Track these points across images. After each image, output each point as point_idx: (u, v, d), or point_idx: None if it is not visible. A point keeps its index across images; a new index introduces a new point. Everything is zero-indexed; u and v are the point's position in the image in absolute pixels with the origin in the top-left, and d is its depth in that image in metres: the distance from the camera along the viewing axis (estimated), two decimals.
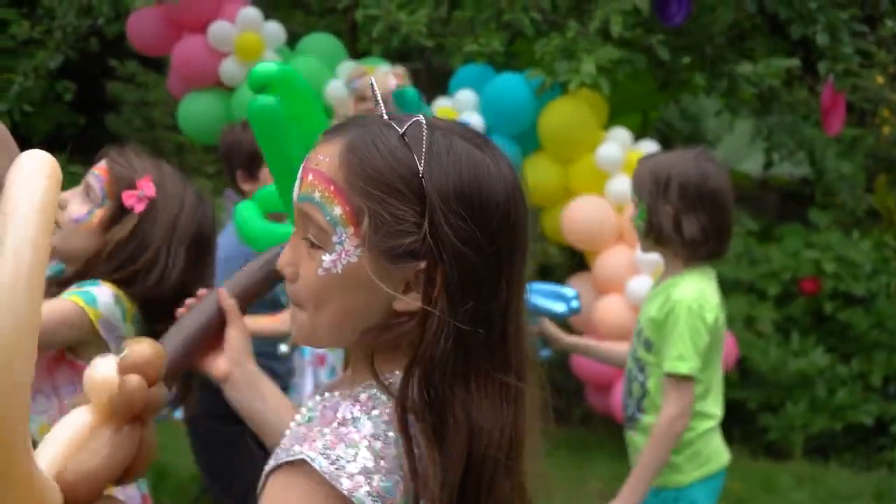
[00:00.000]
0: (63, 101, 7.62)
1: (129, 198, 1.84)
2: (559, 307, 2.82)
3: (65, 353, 1.79)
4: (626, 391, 2.67)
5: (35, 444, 1.65)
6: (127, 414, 1.18)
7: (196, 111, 5.23)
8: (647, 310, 2.61)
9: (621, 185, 4.87)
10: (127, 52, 10.41)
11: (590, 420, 5.78)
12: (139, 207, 1.83)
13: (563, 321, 3.30)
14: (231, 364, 1.40)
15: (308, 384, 3.84)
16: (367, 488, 1.05)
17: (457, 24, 5.35)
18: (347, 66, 5.14)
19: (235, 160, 3.37)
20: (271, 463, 1.09)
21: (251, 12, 5.06)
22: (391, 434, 1.09)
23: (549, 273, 8.88)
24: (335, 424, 1.09)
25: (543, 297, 2.84)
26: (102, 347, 1.76)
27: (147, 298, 1.83)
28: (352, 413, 1.10)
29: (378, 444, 1.08)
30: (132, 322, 1.81)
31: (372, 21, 4.87)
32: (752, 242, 5.91)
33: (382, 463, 1.07)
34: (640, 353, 2.61)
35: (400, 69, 4.55)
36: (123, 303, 1.81)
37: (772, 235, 6.28)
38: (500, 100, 4.92)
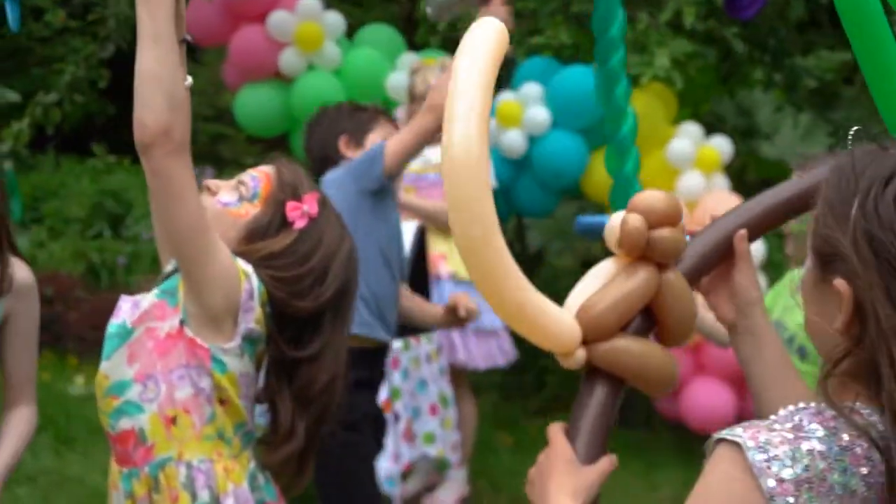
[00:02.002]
0: (94, 89, 7.51)
1: (293, 209, 1.78)
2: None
3: (185, 329, 1.69)
4: None
5: (145, 435, 1.57)
6: (633, 251, 1.29)
7: (253, 103, 5.11)
8: (797, 316, 2.47)
9: (693, 181, 4.73)
10: None
11: (651, 423, 5.64)
12: (300, 223, 1.78)
13: None
14: (737, 312, 1.41)
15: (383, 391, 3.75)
16: (791, 499, 1.05)
17: (519, 15, 5.20)
18: (408, 59, 5.02)
19: (339, 126, 3.12)
20: (716, 434, 1.12)
21: (311, 2, 4.94)
22: (840, 460, 1.07)
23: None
24: (789, 426, 1.10)
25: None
26: (226, 330, 1.69)
27: (281, 305, 1.73)
28: (810, 423, 1.10)
29: (821, 464, 1.07)
30: (263, 307, 1.73)
31: None
32: None
33: (818, 483, 1.06)
34: None
35: (450, 60, 4.43)
36: (262, 286, 1.73)
37: None
38: (567, 93, 4.77)
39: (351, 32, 5.23)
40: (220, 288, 1.66)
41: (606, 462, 1.33)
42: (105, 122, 10.74)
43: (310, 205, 1.79)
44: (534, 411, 5.95)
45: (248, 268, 1.71)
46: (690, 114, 5.79)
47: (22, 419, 2.19)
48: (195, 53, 11.24)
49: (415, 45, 5.43)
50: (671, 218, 1.29)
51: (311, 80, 4.95)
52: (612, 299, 1.30)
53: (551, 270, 8.44)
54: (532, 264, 7.23)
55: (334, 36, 5.02)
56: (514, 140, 4.77)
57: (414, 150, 2.90)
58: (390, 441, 3.77)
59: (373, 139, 3.00)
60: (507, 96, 4.89)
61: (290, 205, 1.78)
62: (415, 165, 4.41)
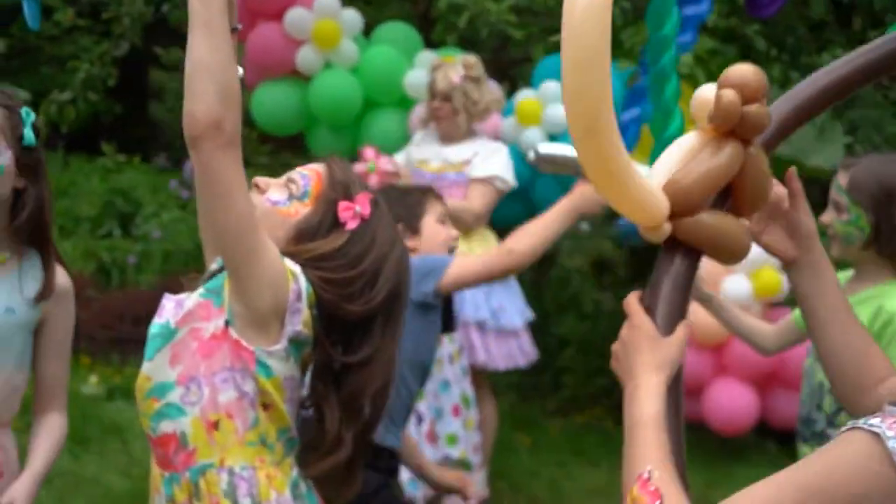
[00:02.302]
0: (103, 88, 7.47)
1: (345, 209, 1.72)
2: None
3: (230, 330, 1.64)
4: (811, 404, 2.51)
5: (186, 439, 1.52)
6: (724, 126, 1.32)
7: (271, 101, 5.06)
8: None
9: None
10: (169, 39, 10.33)
11: None
12: (352, 224, 1.72)
13: None
14: (798, 247, 1.45)
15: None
16: None
17: (536, 13, 5.16)
18: (426, 57, 4.97)
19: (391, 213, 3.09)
20: (849, 424, 1.10)
21: None
22: None
23: (608, 268, 8.72)
24: None
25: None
26: (271, 332, 1.63)
27: (330, 308, 1.68)
28: None
29: None
30: (311, 309, 1.67)
31: (455, 10, 4.69)
32: None
33: None
34: None
35: (472, 58, 4.39)
36: (310, 287, 1.67)
37: None
38: None
39: (367, 31, 5.19)
40: (267, 288, 1.61)
41: (683, 331, 1.36)
42: (112, 121, 10.72)
43: (362, 205, 1.73)
44: (551, 411, 5.92)
45: (297, 268, 1.66)
46: None
47: (55, 426, 2.16)
48: None
49: (431, 43, 5.39)
50: (760, 93, 1.33)
51: (328, 78, 4.91)
52: (700, 174, 1.34)
53: (562, 270, 8.40)
54: (542, 264, 7.18)
55: (352, 33, 4.97)
56: (534, 138, 4.72)
57: (475, 283, 2.86)
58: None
59: (428, 222, 2.89)
60: (526, 94, 4.84)
61: (342, 205, 1.73)
62: (434, 164, 4.38)
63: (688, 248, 1.38)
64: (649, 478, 1.22)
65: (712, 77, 4.73)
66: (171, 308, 1.71)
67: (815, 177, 8.02)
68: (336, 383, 1.71)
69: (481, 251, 4.26)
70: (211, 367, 1.65)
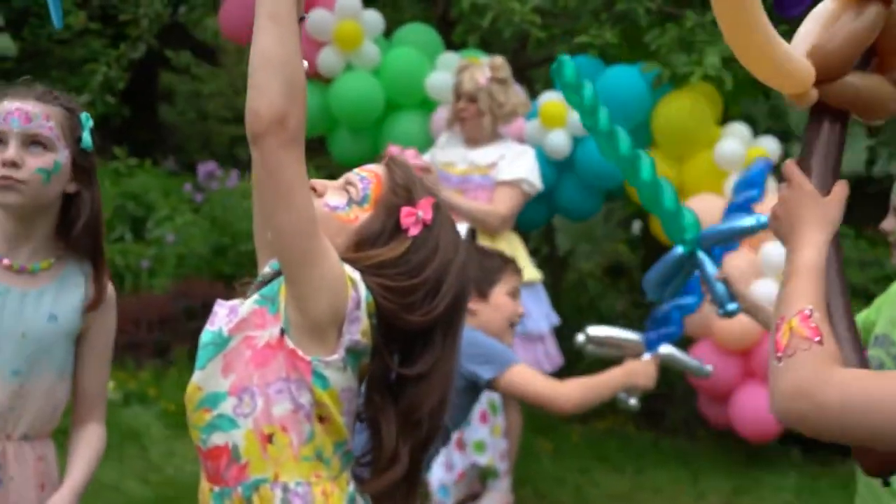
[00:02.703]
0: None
1: (408, 215, 1.63)
2: (748, 221, 2.66)
3: (286, 339, 1.56)
4: None
5: (238, 453, 1.44)
6: None
7: None
8: None
9: None
10: (179, 41, 10.29)
11: (692, 430, 5.53)
12: (414, 230, 1.63)
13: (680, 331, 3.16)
14: None
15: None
16: None
17: (555, 16, 5.10)
18: (447, 58, 4.92)
19: None
20: None
21: (350, 0, 4.83)
22: None
23: (623, 272, 8.66)
24: None
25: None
26: (329, 342, 1.55)
27: (390, 317, 1.61)
28: None
29: None
30: (370, 317, 1.59)
31: (478, 10, 4.63)
32: (864, 245, 5.64)
33: None
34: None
35: (499, 60, 4.33)
36: (370, 296, 1.59)
37: (879, 238, 6.00)
38: (613, 94, 4.66)
39: (386, 33, 5.13)
40: (325, 296, 1.52)
41: (840, 188, 1.40)
42: (121, 124, 10.68)
43: (425, 210, 1.64)
44: (572, 417, 5.86)
45: (356, 275, 1.57)
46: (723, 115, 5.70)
47: (94, 437, 2.10)
48: (214, 56, 11.17)
49: (451, 44, 5.33)
50: None
51: (349, 80, 4.86)
52: (845, 37, 1.39)
53: (576, 274, 8.35)
54: (557, 267, 7.13)
55: (373, 35, 4.92)
56: (559, 141, 4.67)
57: (522, 399, 2.77)
58: (442, 449, 3.68)
59: (498, 292, 2.82)
60: (550, 96, 4.79)
61: (405, 210, 1.63)
62: (460, 167, 4.32)
63: (835, 112, 1.43)
64: (810, 315, 1.29)
65: (738, 80, 4.69)
66: (223, 315, 1.61)
67: None
68: (393, 396, 1.63)
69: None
70: (265, 377, 1.57)
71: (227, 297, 5.84)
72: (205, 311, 6.35)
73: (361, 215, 1.64)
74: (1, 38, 8.94)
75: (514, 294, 2.88)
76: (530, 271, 4.24)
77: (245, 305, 1.61)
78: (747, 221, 2.69)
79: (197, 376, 1.62)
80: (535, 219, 4.93)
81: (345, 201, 1.64)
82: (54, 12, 2.36)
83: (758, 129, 6.78)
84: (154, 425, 5.33)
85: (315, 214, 1.52)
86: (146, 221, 8.44)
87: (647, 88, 4.66)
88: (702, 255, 2.72)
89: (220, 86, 10.82)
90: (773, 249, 4.50)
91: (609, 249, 8.77)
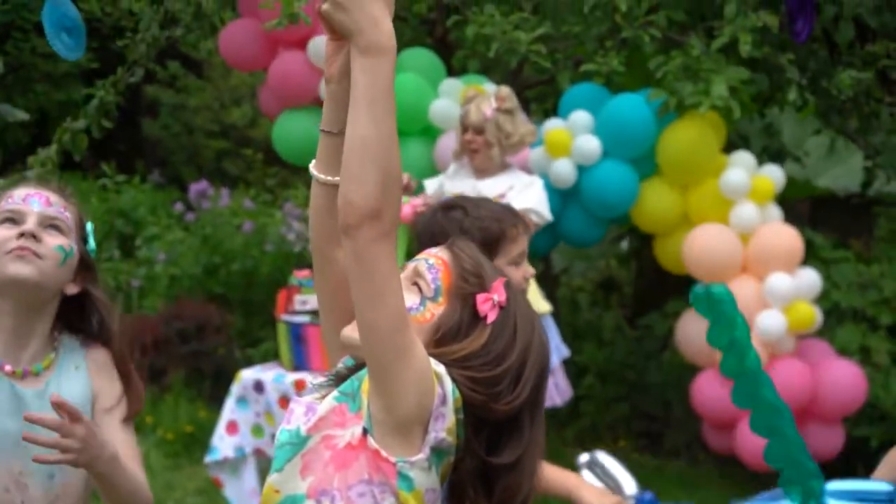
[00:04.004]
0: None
1: (484, 302, 1.56)
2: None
3: (368, 439, 1.49)
4: None
5: None
6: None
7: (292, 130, 4.96)
8: None
9: (747, 212, 4.62)
10: (162, 54, 10.19)
11: (693, 454, 5.53)
12: (492, 316, 1.56)
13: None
14: None
15: None
16: None
17: (554, 39, 5.07)
18: (450, 85, 4.89)
19: None
20: None
21: None
22: None
23: (615, 287, 8.65)
24: None
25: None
26: (414, 441, 1.47)
27: (479, 410, 1.53)
28: None
29: None
30: (456, 413, 1.52)
31: (483, 39, 4.60)
32: (862, 267, 5.65)
33: None
34: None
35: (506, 90, 4.29)
36: (456, 390, 1.52)
37: (877, 258, 6.02)
38: (618, 122, 4.65)
39: None
40: (413, 393, 1.45)
41: None
42: (103, 138, 10.58)
43: (499, 293, 1.57)
44: (570, 440, 5.84)
45: (441, 368, 1.50)
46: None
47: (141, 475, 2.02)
48: (199, 69, 11.08)
49: (452, 69, 5.30)
50: None
51: None
52: None
53: (568, 290, 8.33)
54: (552, 284, 7.11)
55: None
56: (564, 169, 4.65)
57: None
58: None
59: (498, 266, 2.70)
60: (555, 124, 4.77)
61: (480, 297, 1.56)
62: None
63: None
64: None
65: (746, 108, 4.69)
66: (300, 413, 1.55)
67: (826, 196, 8.01)
68: (487, 488, 1.56)
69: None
70: (346, 479, 1.49)
71: (221, 318, 5.76)
72: (198, 334, 6.34)
73: (436, 311, 1.57)
74: None
75: (520, 259, 2.57)
76: (540, 304, 4.21)
77: (324, 403, 1.53)
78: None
79: (274, 478, 1.54)
80: (540, 246, 4.90)
81: (418, 300, 1.57)
82: (68, 48, 2.26)
83: (751, 148, 6.81)
84: (153, 455, 5.26)
85: (405, 308, 1.46)
86: (135, 238, 8.36)
87: (652, 116, 4.64)
88: None
89: (205, 99, 10.73)
90: (778, 280, 4.50)
91: (602, 265, 8.77)
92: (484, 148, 4.18)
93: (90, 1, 5.60)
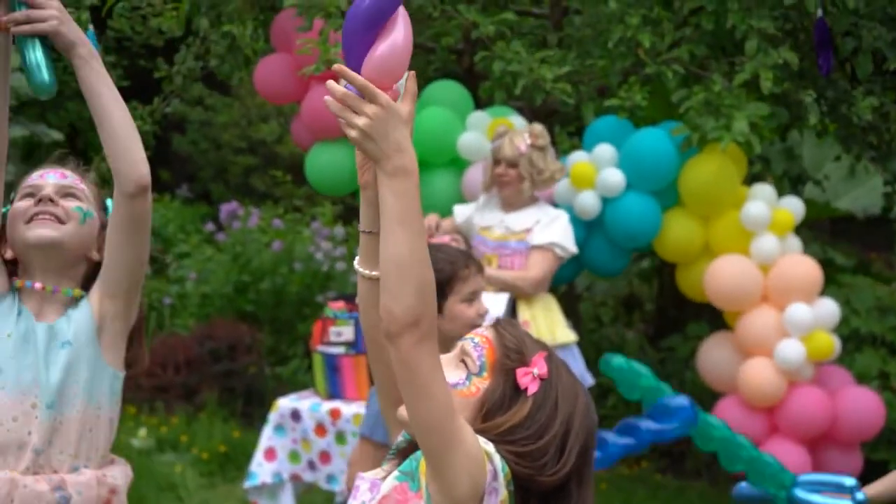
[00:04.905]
0: None
1: (524, 375, 1.67)
2: None
3: None
4: None
5: None
6: None
7: (325, 162, 5.12)
8: None
9: (768, 244, 4.74)
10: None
11: (714, 476, 5.65)
12: (533, 388, 1.66)
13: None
14: None
15: None
16: None
17: (578, 72, 5.19)
18: (477, 118, 5.03)
19: None
20: None
21: None
22: None
23: (637, 304, 8.76)
24: None
25: (818, 490, 2.81)
26: None
27: (526, 482, 1.64)
28: None
29: None
30: (507, 486, 1.62)
31: (511, 76, 4.73)
32: (882, 293, 5.76)
33: None
34: None
35: (538, 128, 4.42)
36: (505, 466, 1.62)
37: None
38: (641, 155, 4.79)
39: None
40: (466, 475, 1.56)
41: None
42: None
43: (539, 367, 1.67)
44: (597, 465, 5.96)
45: (490, 447, 1.61)
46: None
47: None
48: (227, 88, 11.25)
49: (478, 100, 5.44)
50: None
51: None
52: None
53: (591, 306, 8.45)
54: (575, 301, 7.23)
55: None
56: (588, 201, 4.78)
57: None
58: None
59: (452, 303, 2.80)
60: (580, 157, 4.90)
61: (521, 371, 1.67)
62: (497, 232, 4.43)
63: None
64: None
65: (766, 136, 4.81)
66: (365, 489, 1.68)
67: (845, 217, 8.10)
68: None
69: (543, 318, 4.31)
70: None
71: (252, 337, 5.95)
72: (230, 353, 6.53)
73: (481, 385, 1.68)
74: (20, 78, 8.99)
75: (473, 297, 2.79)
76: (565, 333, 4.34)
77: (386, 482, 1.66)
78: None
79: None
80: (565, 275, 5.04)
81: (464, 376, 1.69)
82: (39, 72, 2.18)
83: (773, 170, 6.92)
84: (189, 473, 5.42)
85: (452, 401, 1.58)
86: (165, 255, 8.54)
87: (675, 150, 4.77)
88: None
89: (233, 116, 10.90)
90: (797, 310, 4.62)
91: (623, 284, 8.88)
92: (515, 182, 4.32)
93: (120, 20, 5.76)
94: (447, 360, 1.71)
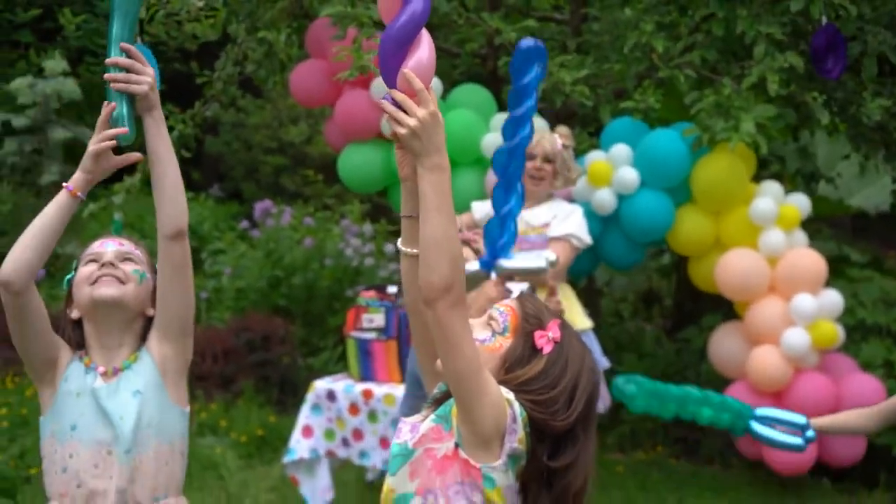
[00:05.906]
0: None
1: (540, 337, 2.01)
2: (795, 440, 3.02)
3: (459, 451, 1.94)
4: None
5: None
6: None
7: (357, 162, 5.43)
8: None
9: (775, 238, 5.01)
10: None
11: (727, 460, 5.90)
12: (547, 349, 2.00)
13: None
14: None
15: None
16: None
17: (597, 75, 5.48)
18: (501, 119, 5.32)
19: None
20: None
21: None
22: None
23: (656, 299, 9.03)
24: None
25: (772, 425, 3.08)
26: (493, 450, 1.91)
27: (540, 425, 1.96)
28: None
29: None
30: (525, 428, 1.95)
31: None
32: (888, 285, 6.00)
33: None
34: None
35: (565, 129, 4.71)
36: (523, 411, 1.95)
37: None
38: (655, 154, 5.07)
39: (443, 93, 5.54)
40: (490, 416, 1.89)
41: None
42: None
43: (553, 331, 2.01)
44: (611, 446, 6.24)
45: (511, 395, 1.95)
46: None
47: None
48: (258, 90, 11.60)
49: (501, 103, 5.73)
50: None
51: None
52: None
53: (611, 302, 8.73)
54: (595, 296, 7.50)
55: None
56: (605, 198, 5.07)
57: None
58: None
59: None
60: (597, 156, 5.19)
61: (538, 333, 2.00)
62: (518, 227, 4.72)
63: None
64: None
65: (775, 137, 5.07)
66: (406, 430, 2.02)
67: (858, 215, 8.32)
68: (548, 484, 1.98)
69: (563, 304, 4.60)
70: (444, 480, 1.95)
71: (285, 329, 6.35)
72: (264, 344, 6.92)
73: (504, 343, 2.02)
74: (66, 82, 9.36)
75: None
76: (582, 320, 4.63)
77: (424, 423, 2.00)
78: (795, 440, 3.15)
79: (390, 481, 2.02)
80: (583, 268, 5.33)
81: (490, 334, 2.03)
82: (124, 123, 2.43)
83: (787, 167, 7.17)
84: (229, 455, 5.74)
85: (478, 357, 1.90)
86: (200, 252, 8.89)
87: (686, 149, 5.05)
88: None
89: (264, 117, 11.23)
90: (802, 300, 4.89)
91: (641, 279, 9.15)
92: (550, 177, 4.58)
93: (156, 24, 6.08)
94: (477, 322, 2.06)
